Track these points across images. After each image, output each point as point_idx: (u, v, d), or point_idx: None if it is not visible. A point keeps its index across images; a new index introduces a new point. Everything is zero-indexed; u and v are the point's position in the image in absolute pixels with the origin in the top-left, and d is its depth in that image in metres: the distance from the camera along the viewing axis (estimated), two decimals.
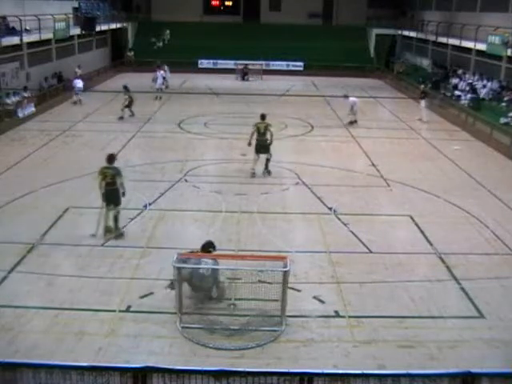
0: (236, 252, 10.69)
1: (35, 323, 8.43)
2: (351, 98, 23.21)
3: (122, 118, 23.10)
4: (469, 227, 12.59)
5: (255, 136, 15.47)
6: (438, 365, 7.52)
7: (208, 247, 9.33)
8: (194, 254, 9.38)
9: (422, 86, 26.56)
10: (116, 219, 11.62)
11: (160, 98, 28.08)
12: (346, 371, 6.42)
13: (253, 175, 15.68)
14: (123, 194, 11.60)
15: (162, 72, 29.10)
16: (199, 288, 9.04)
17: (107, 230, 11.55)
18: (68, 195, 13.97)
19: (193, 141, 20.01)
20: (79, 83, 26.76)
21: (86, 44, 35.14)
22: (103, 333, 8.22)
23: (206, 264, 8.90)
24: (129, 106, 23.27)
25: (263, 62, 38.21)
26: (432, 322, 8.76)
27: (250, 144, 15.60)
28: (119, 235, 11.56)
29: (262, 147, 15.51)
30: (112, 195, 11.43)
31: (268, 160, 15.76)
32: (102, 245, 11.17)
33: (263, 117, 15.75)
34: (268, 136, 15.45)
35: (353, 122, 23.16)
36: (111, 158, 11.58)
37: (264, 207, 13.50)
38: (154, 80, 28.77)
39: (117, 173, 11.42)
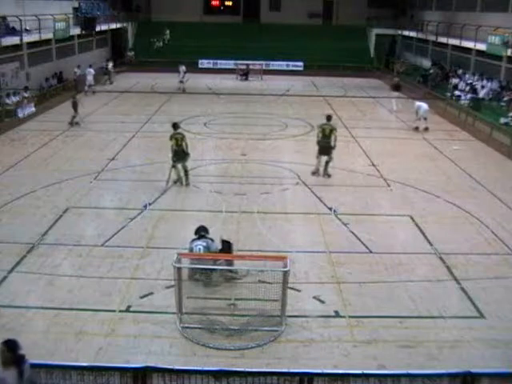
0: (236, 252, 10.68)
1: (35, 323, 8.44)
2: (417, 103, 22.17)
3: (72, 123, 21.59)
4: (469, 227, 12.60)
5: (319, 137, 15.43)
6: (438, 365, 7.51)
7: (200, 231, 9.92)
8: (195, 255, 9.43)
9: (396, 79, 27.99)
10: (186, 171, 14.79)
11: (183, 89, 30.01)
12: (346, 371, 6.43)
13: (314, 174, 15.65)
14: (188, 153, 14.81)
15: (183, 67, 30.59)
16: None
17: (177, 180, 14.80)
18: (68, 195, 13.98)
19: (193, 141, 19.96)
20: (90, 72, 28.49)
21: (86, 44, 35.18)
22: (103, 333, 8.22)
23: (201, 246, 9.57)
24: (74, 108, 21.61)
25: (263, 62, 38.23)
26: (432, 321, 8.76)
27: (318, 145, 15.56)
28: (187, 184, 14.75)
29: (325, 149, 15.40)
30: (181, 154, 14.60)
31: (327, 163, 15.64)
32: (102, 245, 11.18)
33: (329, 118, 15.63)
34: (332, 139, 15.34)
35: (417, 128, 21.96)
36: (176, 125, 14.96)
37: (264, 207, 13.50)
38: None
39: (184, 136, 14.75)
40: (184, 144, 14.59)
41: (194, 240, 9.87)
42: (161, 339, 8.14)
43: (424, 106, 21.85)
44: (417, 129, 22.06)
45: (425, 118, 21.90)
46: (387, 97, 28.59)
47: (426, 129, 21.96)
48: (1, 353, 5.60)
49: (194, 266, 9.18)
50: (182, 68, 30.62)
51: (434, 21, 34.93)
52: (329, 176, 15.73)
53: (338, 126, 22.79)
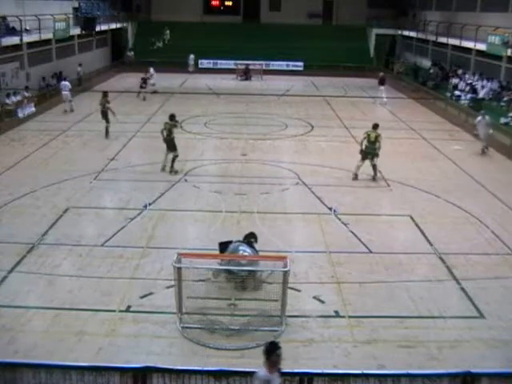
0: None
1: (35, 323, 8.44)
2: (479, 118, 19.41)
3: (107, 134, 20.07)
4: (469, 227, 12.60)
5: (365, 143, 15.59)
6: (438, 365, 7.51)
7: (249, 237, 9.96)
8: (195, 254, 9.41)
9: (382, 74, 29.47)
10: (173, 161, 15.84)
11: (155, 92, 28.98)
12: (345, 371, 6.43)
13: (355, 178, 15.66)
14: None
15: (151, 69, 30.01)
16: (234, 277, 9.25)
17: (163, 168, 15.94)
18: (68, 195, 13.98)
19: (193, 141, 20.00)
20: (66, 86, 24.31)
21: (86, 44, 35.18)
22: (103, 333, 8.22)
23: (245, 251, 9.44)
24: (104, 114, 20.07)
25: (263, 62, 38.24)
26: (432, 322, 8.76)
27: (362, 151, 15.62)
28: (175, 172, 15.77)
29: (368, 154, 15.58)
30: (169, 143, 15.84)
31: (374, 166, 15.63)
32: (102, 245, 11.18)
33: (375, 126, 15.81)
34: (377, 145, 15.49)
35: (483, 150, 19.09)
36: (173, 116, 16.10)
37: (264, 207, 13.50)
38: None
39: (174, 126, 16.12)
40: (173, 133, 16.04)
41: (241, 243, 9.73)
42: (161, 339, 8.14)
43: (479, 120, 19.22)
44: (483, 150, 19.11)
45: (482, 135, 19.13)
46: (388, 97, 28.60)
47: (483, 148, 19.15)
48: (278, 357, 5.68)
49: (190, 266, 9.14)
50: (151, 70, 29.88)
51: (434, 21, 34.93)
52: (376, 180, 15.68)
53: (338, 126, 23.00)
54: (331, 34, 40.43)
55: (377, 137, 15.57)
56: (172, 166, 15.83)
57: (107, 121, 19.97)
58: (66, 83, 24.52)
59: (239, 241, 9.86)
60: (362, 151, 15.69)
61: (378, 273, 10.29)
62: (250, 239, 9.94)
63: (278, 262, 8.71)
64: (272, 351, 5.70)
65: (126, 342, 8.04)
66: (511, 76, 25.51)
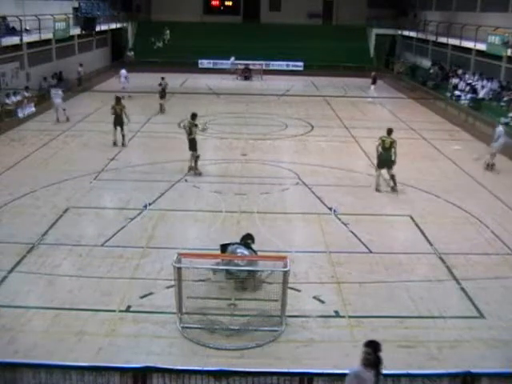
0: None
1: (35, 323, 8.44)
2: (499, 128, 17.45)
3: (124, 144, 19.03)
4: (469, 227, 12.60)
5: (379, 149, 14.80)
6: (438, 365, 7.51)
7: (246, 239, 9.96)
8: (195, 254, 9.41)
9: (374, 73, 30.37)
10: (195, 161, 15.79)
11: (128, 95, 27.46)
12: (345, 371, 6.41)
13: (378, 191, 14.82)
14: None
15: (123, 71, 29.05)
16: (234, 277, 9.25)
17: (189, 168, 15.81)
18: (68, 195, 13.98)
19: None
20: (57, 94, 22.43)
21: (86, 44, 35.18)
22: (103, 333, 8.23)
23: (242, 253, 9.39)
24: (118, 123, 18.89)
25: (263, 62, 38.26)
26: (432, 322, 8.76)
27: (378, 158, 14.88)
28: (198, 173, 15.75)
29: (384, 162, 14.77)
30: (189, 143, 15.81)
31: (393, 176, 14.76)
32: (102, 245, 11.18)
33: (390, 131, 14.97)
34: (392, 152, 14.63)
35: (489, 165, 17.26)
36: (194, 115, 16.07)
37: (264, 207, 13.50)
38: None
39: (194, 125, 15.85)
40: (194, 133, 15.91)
41: (238, 245, 9.72)
42: (161, 339, 8.14)
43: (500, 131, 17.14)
44: (489, 166, 17.26)
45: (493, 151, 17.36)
46: (388, 97, 28.64)
47: (487, 165, 17.34)
48: (365, 354, 5.62)
49: (188, 266, 9.14)
50: (123, 72, 28.86)
51: (434, 21, 34.93)
52: (396, 191, 14.78)
53: (338, 126, 23.00)
54: (331, 34, 40.43)
55: (392, 143, 14.67)
56: (196, 168, 15.81)
57: (122, 128, 18.91)
58: (58, 91, 22.74)
59: (236, 243, 9.86)
60: (378, 158, 14.91)
61: (378, 273, 10.29)
62: (247, 240, 9.95)
63: (278, 262, 8.72)
64: (364, 347, 5.67)
65: (126, 341, 8.05)
66: (511, 76, 25.51)
